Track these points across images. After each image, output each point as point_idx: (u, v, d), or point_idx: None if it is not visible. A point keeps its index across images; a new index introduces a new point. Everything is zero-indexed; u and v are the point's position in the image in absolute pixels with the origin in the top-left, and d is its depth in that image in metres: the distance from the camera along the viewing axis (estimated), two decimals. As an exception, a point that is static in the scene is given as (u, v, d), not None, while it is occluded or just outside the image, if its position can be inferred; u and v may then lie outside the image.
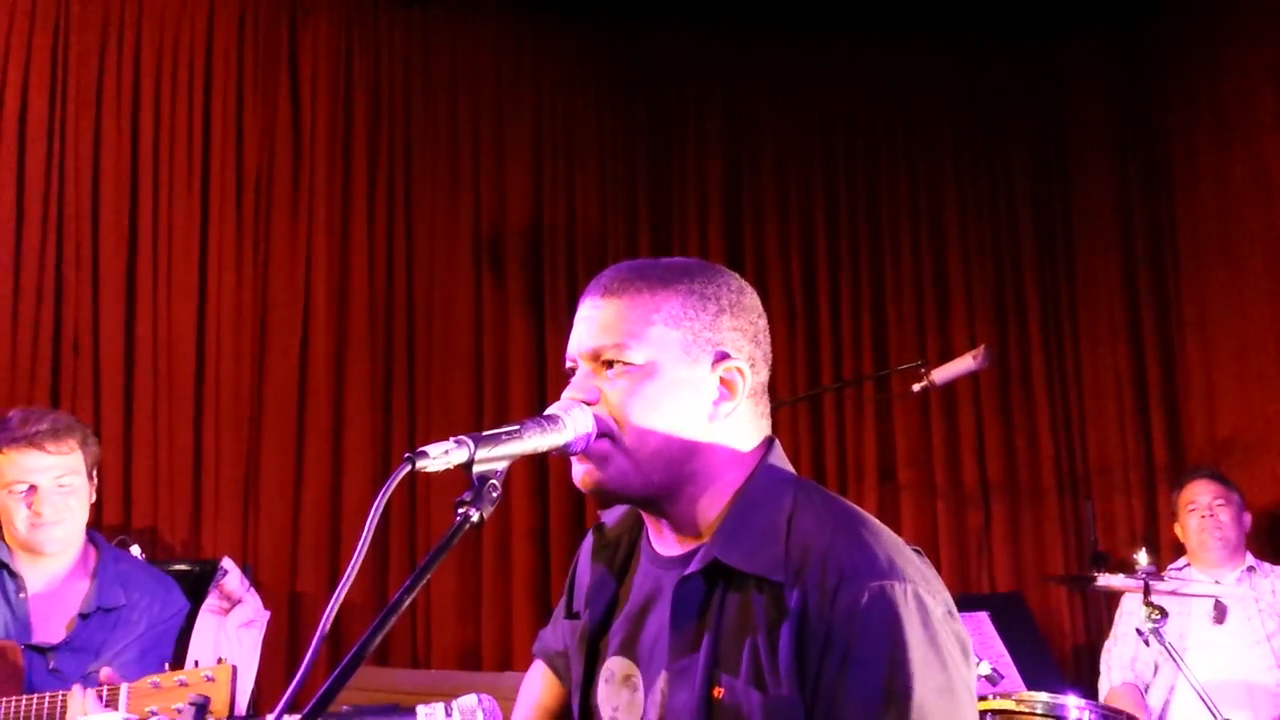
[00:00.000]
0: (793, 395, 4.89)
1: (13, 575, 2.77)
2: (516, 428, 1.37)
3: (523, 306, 4.93)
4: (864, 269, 5.13)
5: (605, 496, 1.47)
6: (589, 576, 1.64)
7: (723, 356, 1.44)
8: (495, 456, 1.32)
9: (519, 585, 4.73)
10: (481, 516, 1.28)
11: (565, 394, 1.47)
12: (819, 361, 5.04)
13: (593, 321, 1.48)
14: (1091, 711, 2.94)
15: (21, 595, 2.76)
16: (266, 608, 4.22)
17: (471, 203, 4.96)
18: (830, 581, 1.32)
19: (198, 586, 4.10)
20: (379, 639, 1.19)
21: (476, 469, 1.30)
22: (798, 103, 5.21)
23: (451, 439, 1.29)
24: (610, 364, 1.45)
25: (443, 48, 5.00)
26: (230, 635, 4.01)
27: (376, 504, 1.20)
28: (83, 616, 2.73)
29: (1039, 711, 2.93)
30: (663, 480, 1.44)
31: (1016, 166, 5.29)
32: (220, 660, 2.31)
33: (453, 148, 4.97)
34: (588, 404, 1.44)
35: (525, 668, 4.88)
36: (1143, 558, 3.11)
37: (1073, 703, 2.96)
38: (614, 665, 1.54)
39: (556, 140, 5.06)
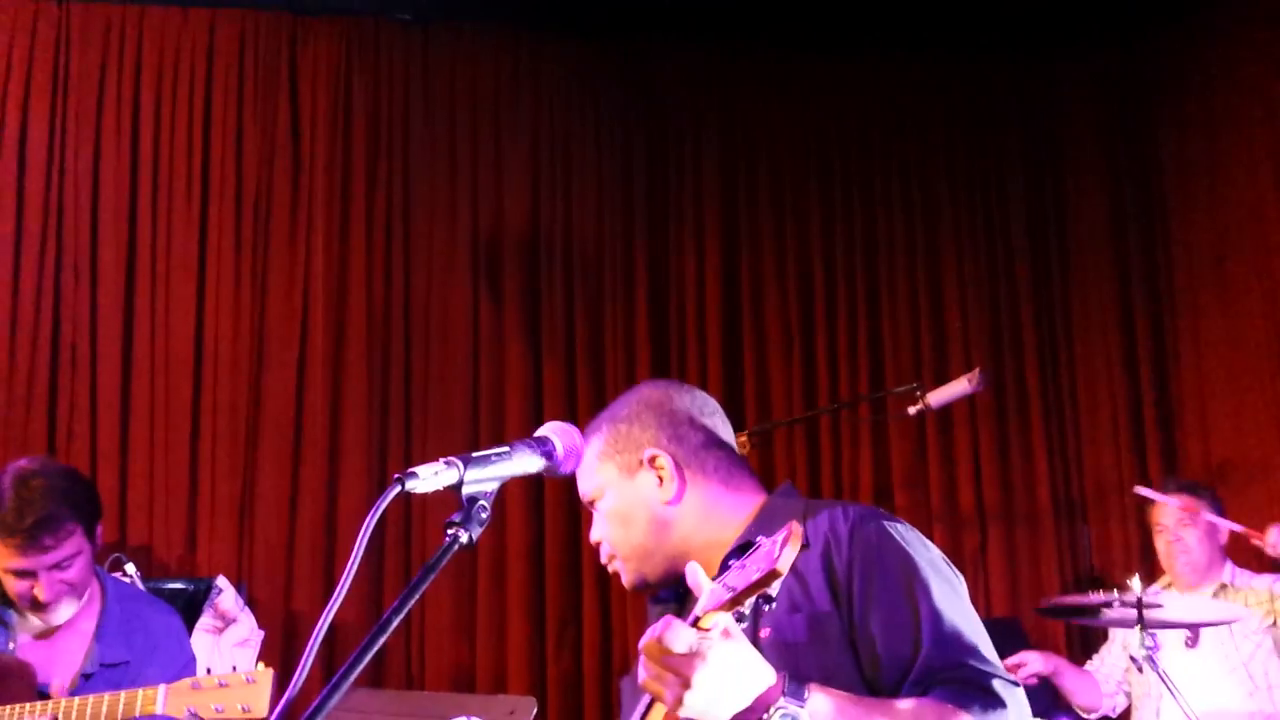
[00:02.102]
0: (788, 417, 4.89)
1: (5, 625, 2.68)
2: (507, 449, 1.40)
3: (519, 325, 4.93)
4: (860, 291, 5.13)
5: (641, 591, 1.85)
6: None
7: (647, 458, 1.81)
8: (485, 478, 1.36)
9: (514, 606, 4.71)
10: (471, 537, 1.30)
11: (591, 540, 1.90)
12: (815, 384, 5.04)
13: (580, 485, 1.89)
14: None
15: (11, 646, 2.69)
16: (261, 626, 4.22)
17: (469, 220, 4.97)
18: (844, 531, 1.66)
19: (192, 605, 4.09)
20: (369, 657, 1.19)
21: (466, 490, 1.33)
22: (794, 121, 5.23)
23: (441, 460, 1.31)
24: (594, 507, 1.87)
25: (441, 65, 5.02)
26: (225, 654, 4.00)
27: (366, 523, 1.22)
28: (85, 676, 2.67)
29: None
30: (661, 559, 1.79)
31: (1012, 190, 5.30)
32: (261, 663, 2.29)
33: (451, 165, 4.99)
34: (599, 544, 1.87)
35: (520, 689, 4.83)
36: (1136, 584, 3.10)
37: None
38: None
39: (554, 158, 5.08)
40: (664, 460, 1.80)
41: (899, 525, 1.69)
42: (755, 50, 5.18)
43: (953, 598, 1.63)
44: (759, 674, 1.42)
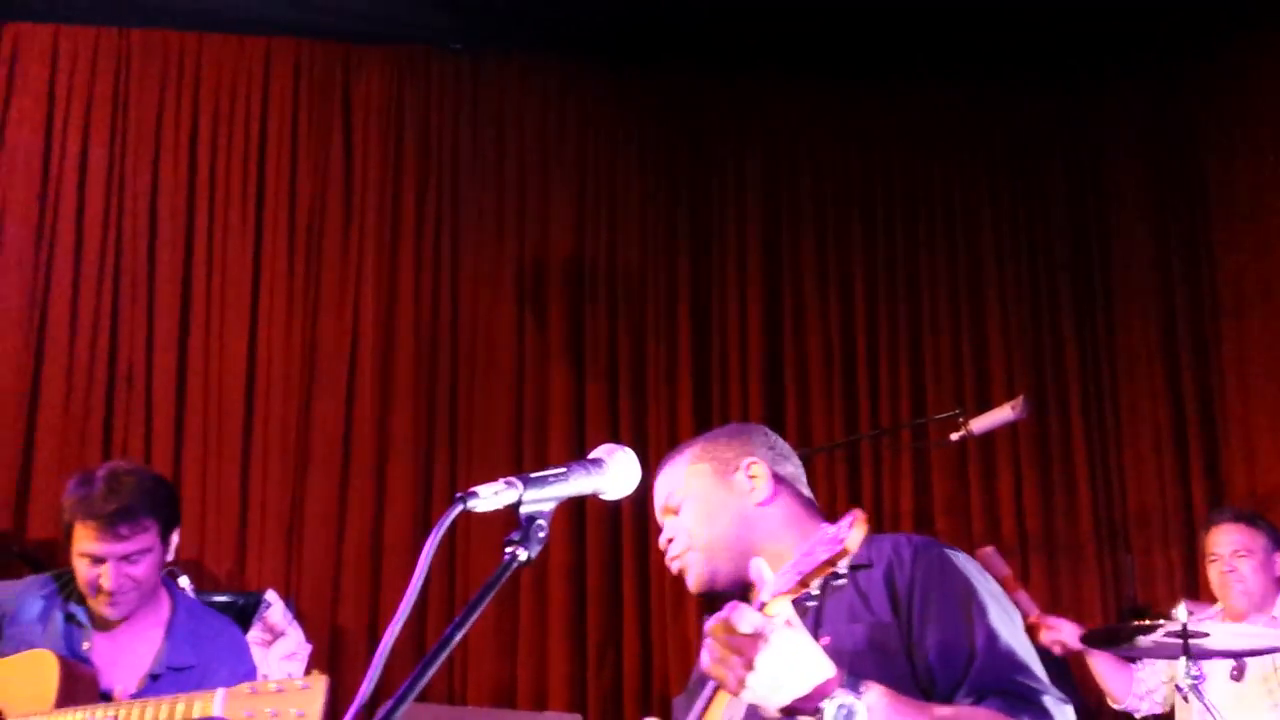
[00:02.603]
0: (829, 442, 4.91)
1: (79, 625, 2.82)
2: (563, 470, 1.44)
3: (563, 350, 4.99)
4: (902, 317, 5.14)
5: (711, 594, 1.88)
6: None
7: (742, 465, 1.92)
8: (543, 498, 1.39)
9: (555, 623, 4.75)
10: (529, 555, 1.34)
11: (661, 540, 1.97)
12: (856, 409, 5.05)
13: (656, 494, 1.99)
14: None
15: (85, 646, 2.79)
16: (308, 640, 4.29)
17: (515, 245, 5.05)
18: (906, 555, 1.75)
19: (242, 618, 4.17)
20: (429, 674, 1.23)
21: (524, 509, 1.37)
22: (837, 149, 5.26)
23: (501, 480, 1.35)
24: (675, 510, 1.93)
25: (490, 93, 5.11)
26: (272, 667, 4.07)
27: (430, 541, 1.26)
28: (153, 677, 2.77)
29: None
30: (736, 555, 1.83)
31: (1055, 216, 5.29)
32: (314, 671, 2.33)
33: (498, 191, 5.07)
34: (670, 542, 1.93)
35: (560, 707, 4.88)
36: (1182, 612, 3.07)
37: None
38: (733, 710, 1.70)
39: (599, 188, 5.14)
40: (760, 469, 1.92)
41: (960, 554, 1.78)
42: (798, 79, 5.23)
43: (1008, 621, 1.70)
44: (819, 664, 1.48)
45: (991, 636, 1.65)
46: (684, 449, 1.98)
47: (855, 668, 1.56)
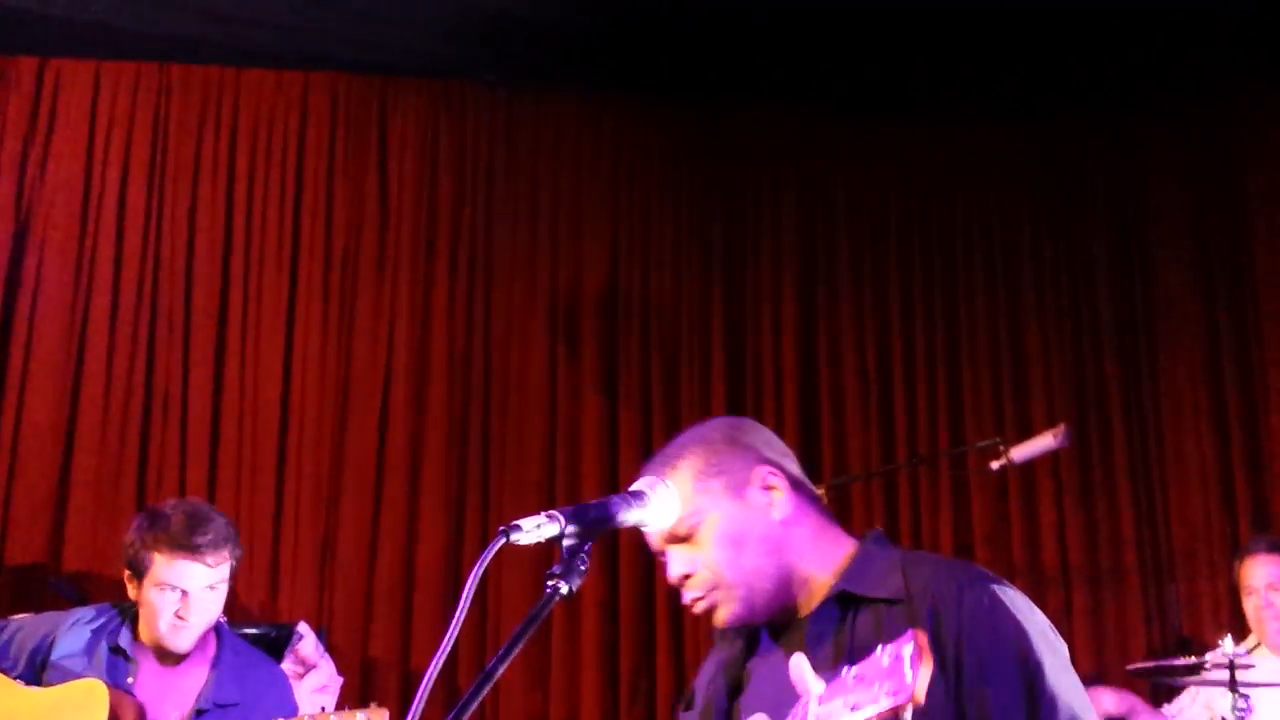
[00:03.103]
0: (866, 471, 4.86)
1: (127, 659, 2.83)
2: (604, 503, 1.42)
3: (596, 380, 4.98)
4: (939, 346, 5.10)
5: (741, 625, 1.72)
6: (709, 671, 1.85)
7: (754, 477, 1.70)
8: (584, 531, 1.37)
9: (587, 657, 4.72)
10: (571, 588, 1.32)
11: (671, 575, 1.72)
12: (894, 438, 5.00)
13: (655, 528, 1.70)
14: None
15: (130, 680, 2.82)
16: (340, 673, 4.27)
17: (549, 277, 5.05)
18: (953, 592, 1.59)
19: (274, 650, 4.16)
20: (475, 705, 1.21)
21: (566, 542, 1.36)
22: (872, 182, 5.25)
23: (543, 513, 1.35)
24: (686, 538, 1.69)
25: (525, 127, 5.14)
26: (304, 699, 4.04)
27: (474, 574, 1.26)
28: (199, 713, 2.78)
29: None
30: (772, 583, 1.68)
31: (1095, 241, 5.25)
32: (374, 704, 2.34)
33: (532, 223, 5.09)
34: (687, 576, 1.69)
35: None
36: (1228, 644, 3.00)
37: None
38: None
39: (633, 217, 5.15)
40: (777, 480, 1.72)
41: (1008, 590, 1.63)
42: (833, 112, 5.23)
43: (1064, 675, 1.58)
44: None
45: (1050, 702, 1.53)
46: (677, 460, 1.70)
47: None
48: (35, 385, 4.67)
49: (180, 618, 2.76)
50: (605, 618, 4.75)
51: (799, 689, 1.37)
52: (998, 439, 4.16)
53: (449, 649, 1.24)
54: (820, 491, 4.12)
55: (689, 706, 1.88)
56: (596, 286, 5.08)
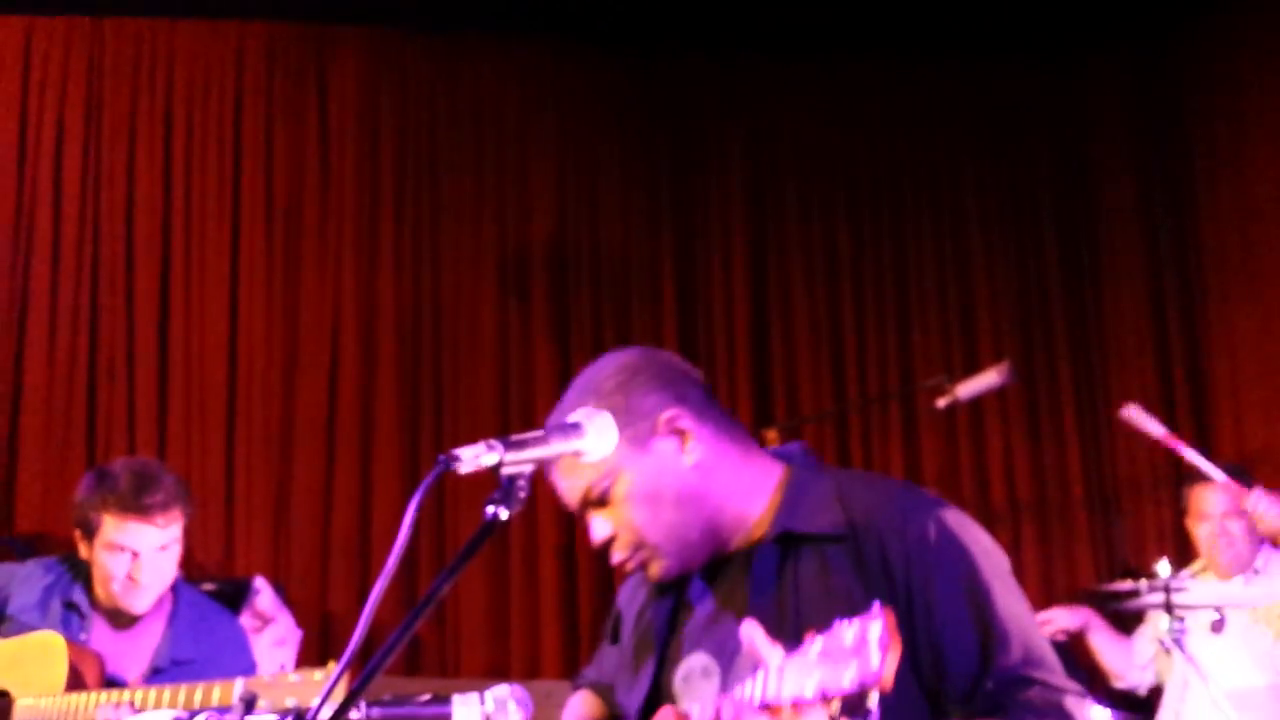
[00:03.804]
0: (817, 412, 4.91)
1: (81, 615, 2.81)
2: (541, 433, 1.45)
3: (547, 329, 4.99)
4: (888, 286, 5.15)
5: (678, 577, 1.65)
6: (634, 605, 1.80)
7: (662, 425, 1.60)
8: (522, 459, 1.39)
9: (547, 603, 4.77)
10: (509, 513, 1.34)
11: (594, 539, 1.65)
12: (844, 380, 5.06)
13: (566, 484, 1.64)
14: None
15: (83, 636, 2.80)
16: (299, 626, 4.28)
17: (496, 227, 5.03)
18: (897, 523, 1.55)
19: (231, 606, 4.15)
20: (415, 625, 1.24)
21: (505, 470, 1.37)
22: (820, 127, 5.24)
23: (482, 443, 1.36)
24: (601, 501, 1.61)
25: (467, 76, 5.08)
26: (263, 654, 4.06)
27: (413, 501, 1.28)
28: (155, 670, 2.77)
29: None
30: (700, 534, 1.62)
31: (1040, 182, 5.31)
32: (333, 661, 2.35)
33: (478, 174, 5.05)
34: (610, 540, 1.63)
35: (554, 676, 4.89)
36: (1164, 568, 3.09)
37: (1097, 713, 2.96)
38: (693, 663, 1.63)
39: (580, 166, 5.13)
40: (684, 421, 1.61)
41: (950, 513, 1.59)
42: (780, 58, 5.20)
43: (1012, 601, 1.55)
44: None
45: (1002, 632, 1.50)
46: (577, 415, 1.57)
47: None
48: (-25, 349, 4.61)
49: (132, 579, 2.74)
50: (563, 565, 4.79)
51: (754, 657, 1.35)
52: (944, 377, 4.21)
53: (391, 573, 1.25)
54: (771, 434, 4.16)
55: (614, 639, 1.84)
56: (545, 236, 5.07)
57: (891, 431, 5.01)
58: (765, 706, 1.29)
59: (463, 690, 1.70)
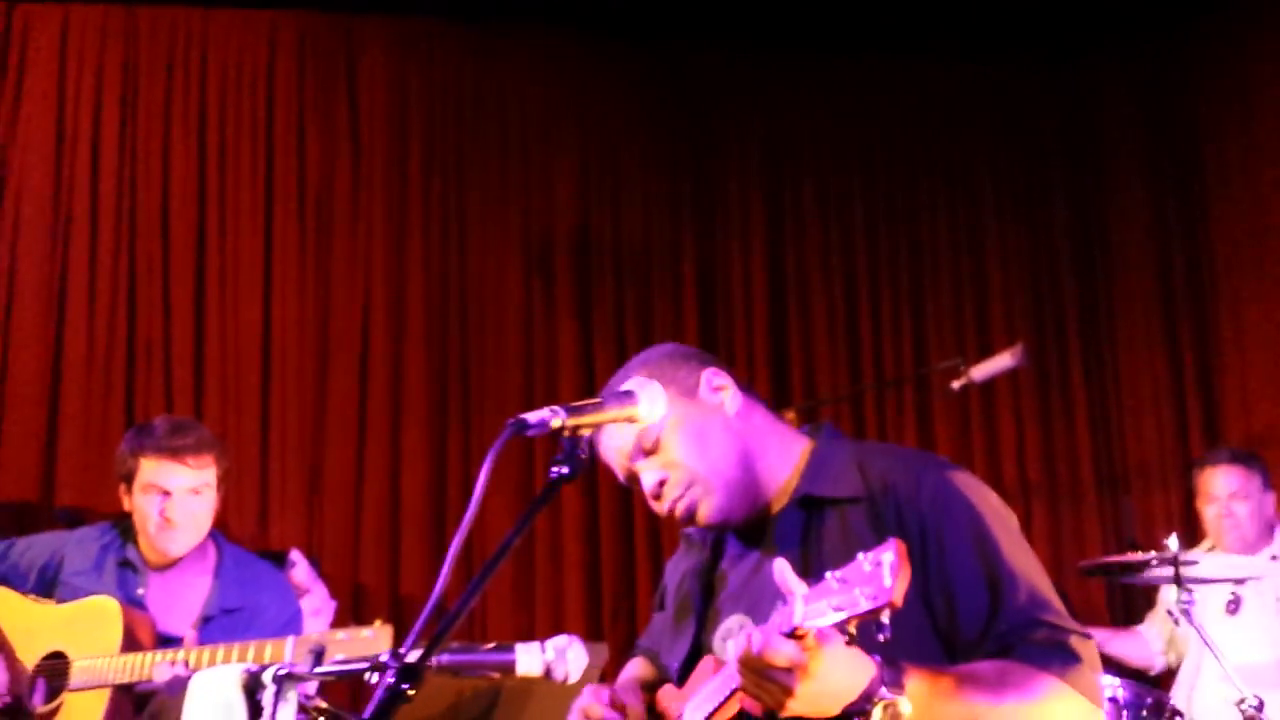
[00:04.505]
0: (833, 394, 5.02)
1: (135, 571, 2.97)
2: (599, 400, 1.57)
3: (570, 312, 5.10)
4: (903, 271, 5.24)
5: (723, 523, 1.79)
6: (677, 575, 1.95)
7: (704, 381, 1.79)
8: (582, 423, 1.52)
9: (571, 583, 4.88)
10: (573, 472, 1.47)
11: (646, 487, 1.80)
12: (860, 364, 5.16)
13: (616, 444, 1.80)
14: (1125, 689, 3.05)
15: (140, 591, 2.96)
16: (332, 598, 4.42)
17: (522, 214, 5.14)
18: (911, 483, 1.70)
19: (268, 577, 4.30)
20: (490, 576, 1.36)
21: (567, 434, 1.50)
22: (834, 116, 5.33)
23: (547, 408, 1.49)
24: (651, 450, 1.77)
25: (494, 66, 5.18)
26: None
27: (487, 462, 1.39)
28: (206, 619, 2.93)
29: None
30: (747, 486, 1.76)
31: (1052, 170, 5.39)
32: (380, 621, 2.48)
33: (503, 163, 5.15)
34: (662, 485, 1.77)
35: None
36: (1172, 542, 3.20)
37: (1107, 680, 3.07)
38: (731, 623, 1.76)
39: (603, 155, 5.22)
40: (723, 378, 1.80)
41: (959, 474, 1.74)
42: (797, 51, 5.29)
43: (1019, 551, 1.68)
44: (860, 670, 1.44)
45: (1010, 577, 1.62)
46: (626, 386, 1.71)
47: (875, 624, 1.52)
48: (18, 333, 4.73)
49: (165, 518, 2.89)
50: (587, 541, 4.92)
51: (783, 590, 1.45)
52: (958, 360, 4.31)
53: (465, 535, 1.37)
54: (789, 416, 4.27)
55: (661, 607, 2.01)
56: (568, 223, 5.18)
57: (906, 413, 5.12)
58: (791, 632, 1.40)
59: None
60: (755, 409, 1.82)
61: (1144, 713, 3.05)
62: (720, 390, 1.79)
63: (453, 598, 1.52)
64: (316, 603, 4.29)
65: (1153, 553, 3.24)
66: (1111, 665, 3.97)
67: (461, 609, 1.37)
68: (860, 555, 1.36)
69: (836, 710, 1.44)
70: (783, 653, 1.39)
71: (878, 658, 1.45)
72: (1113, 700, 3.06)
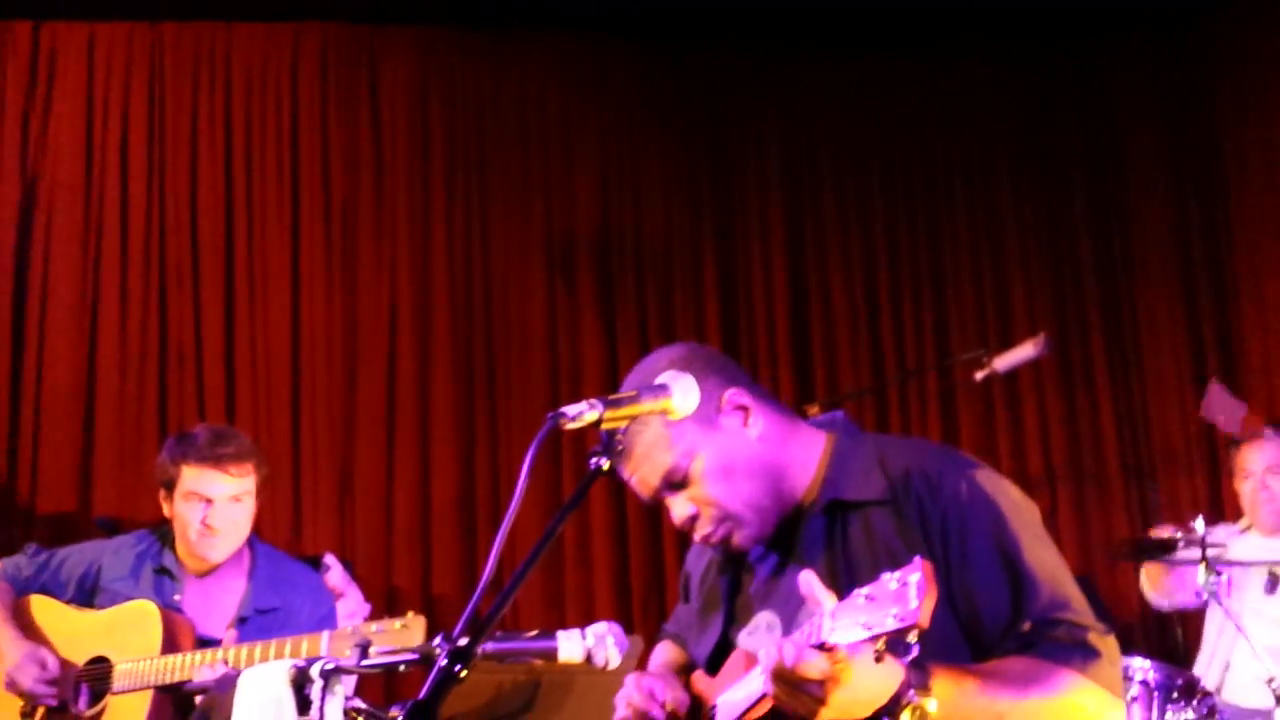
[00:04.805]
0: (856, 389, 5.05)
1: (172, 578, 3.04)
2: (635, 393, 1.62)
3: (593, 313, 5.15)
4: (924, 262, 5.26)
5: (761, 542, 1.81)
6: (700, 566, 1.98)
7: (723, 405, 1.77)
8: (620, 416, 1.57)
9: (600, 581, 4.93)
10: (611, 464, 1.52)
11: (677, 519, 1.81)
12: (883, 357, 5.19)
13: (641, 477, 1.79)
14: (1155, 671, 3.08)
15: (176, 597, 3.03)
16: (366, 601, 4.48)
17: (543, 218, 5.19)
18: (933, 483, 1.71)
19: (303, 581, 4.36)
20: (531, 567, 1.41)
21: (605, 425, 1.55)
22: (852, 112, 5.36)
23: (585, 401, 1.54)
24: (681, 485, 1.77)
25: (513, 72, 5.24)
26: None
27: (529, 455, 1.44)
28: (241, 620, 2.99)
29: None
30: (774, 499, 1.78)
31: (1071, 157, 5.39)
32: (413, 613, 2.53)
33: (524, 166, 5.21)
34: (694, 519, 1.78)
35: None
36: (1199, 525, 3.22)
37: (1137, 664, 3.09)
38: (759, 619, 1.80)
39: (623, 156, 5.27)
40: (743, 398, 1.78)
41: (980, 472, 1.74)
42: (815, 51, 5.32)
43: (1041, 549, 1.69)
44: (889, 677, 1.47)
45: (1030, 578, 1.64)
46: (663, 377, 1.69)
47: None
48: (52, 343, 4.83)
49: (207, 525, 2.96)
50: (615, 542, 4.97)
51: (810, 603, 1.49)
52: (981, 350, 4.33)
53: (510, 523, 1.42)
54: (813, 410, 4.31)
55: (686, 599, 2.04)
56: (590, 225, 5.23)
57: (929, 405, 5.15)
58: (820, 646, 1.44)
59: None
60: (773, 421, 1.80)
61: (1175, 694, 3.07)
62: (742, 411, 1.78)
63: (489, 589, 1.56)
64: (351, 606, 4.34)
65: (1180, 533, 3.26)
66: (1143, 648, 3.99)
67: (510, 592, 1.42)
68: (886, 575, 1.39)
69: (867, 714, 1.47)
70: (815, 665, 1.43)
71: (905, 661, 1.48)
72: (1144, 683, 3.09)
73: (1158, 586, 3.99)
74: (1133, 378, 5.24)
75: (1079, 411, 5.19)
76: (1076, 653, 1.62)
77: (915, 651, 1.36)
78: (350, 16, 5.13)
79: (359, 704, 2.50)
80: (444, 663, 1.32)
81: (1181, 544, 3.28)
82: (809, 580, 1.50)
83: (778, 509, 1.79)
